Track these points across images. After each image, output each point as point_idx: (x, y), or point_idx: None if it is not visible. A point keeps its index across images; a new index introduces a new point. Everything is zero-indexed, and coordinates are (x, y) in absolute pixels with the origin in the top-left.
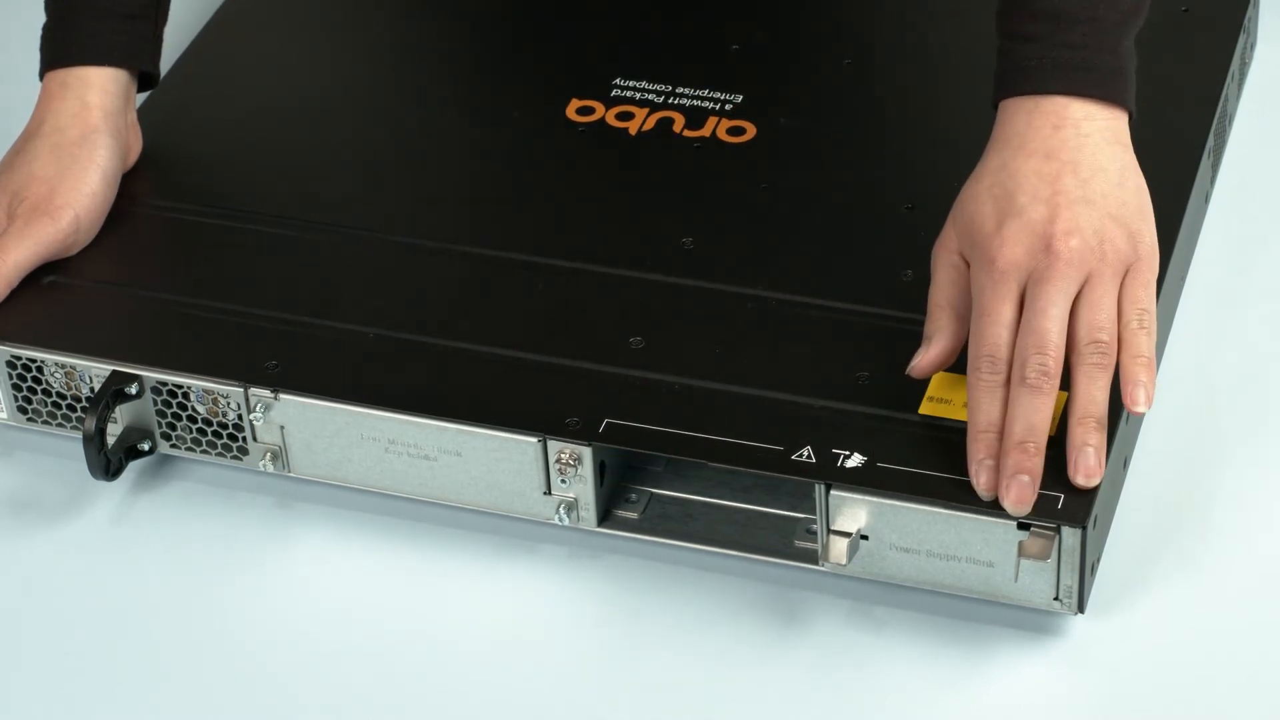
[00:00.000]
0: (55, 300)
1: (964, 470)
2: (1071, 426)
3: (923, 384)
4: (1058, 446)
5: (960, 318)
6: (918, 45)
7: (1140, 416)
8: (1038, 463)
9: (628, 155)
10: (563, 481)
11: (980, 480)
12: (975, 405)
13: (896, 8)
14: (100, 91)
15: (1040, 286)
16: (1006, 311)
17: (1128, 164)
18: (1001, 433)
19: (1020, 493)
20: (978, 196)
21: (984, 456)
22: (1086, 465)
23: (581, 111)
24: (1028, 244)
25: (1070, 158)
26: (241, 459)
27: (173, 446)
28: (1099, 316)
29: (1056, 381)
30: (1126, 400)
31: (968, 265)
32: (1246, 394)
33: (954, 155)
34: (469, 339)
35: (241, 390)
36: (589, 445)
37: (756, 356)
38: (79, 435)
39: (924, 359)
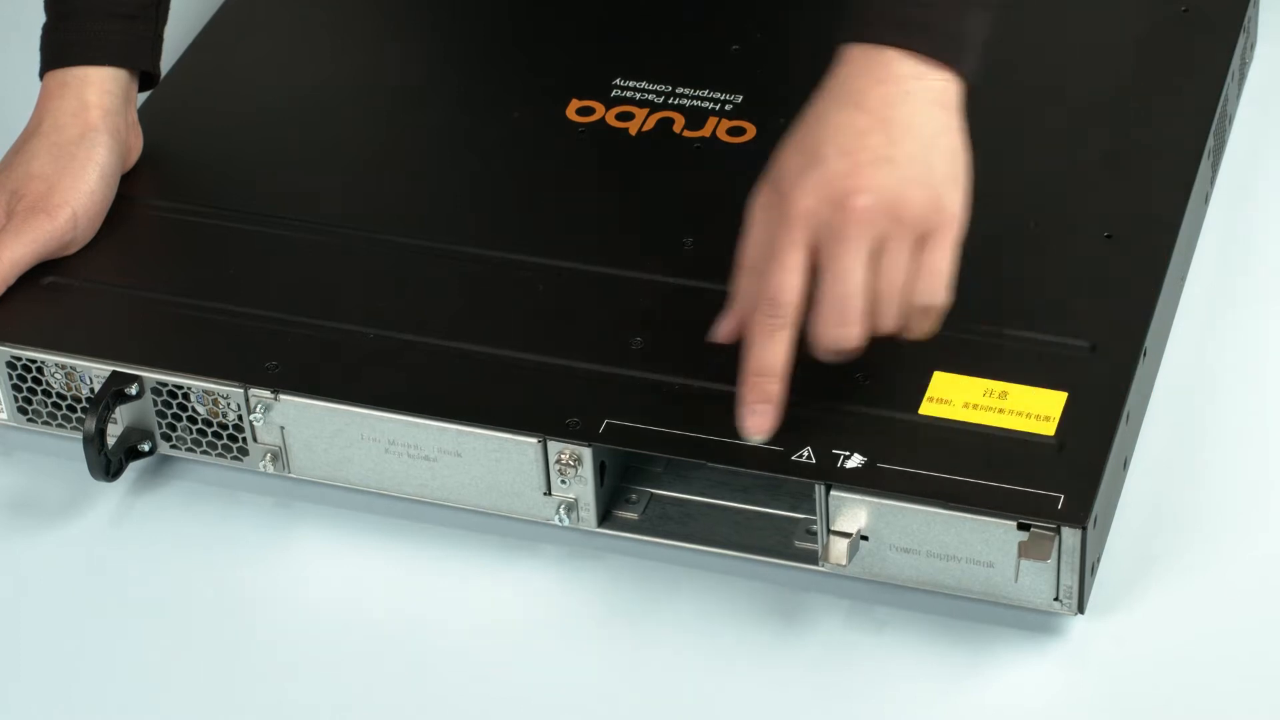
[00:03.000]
0: (55, 301)
1: (966, 471)
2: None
3: (922, 384)
4: (1060, 448)
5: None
6: None
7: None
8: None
9: (628, 155)
10: (563, 482)
11: (747, 423)
12: (751, 346)
13: None
14: (99, 91)
15: (832, 244)
16: (794, 258)
17: (946, 127)
18: (779, 378)
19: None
20: (789, 147)
21: (755, 400)
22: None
23: (581, 111)
24: (822, 195)
25: (884, 114)
26: (242, 460)
27: (173, 447)
28: (881, 282)
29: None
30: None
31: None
32: (1246, 394)
33: None
34: (469, 339)
35: (241, 391)
36: (589, 446)
37: None
38: (79, 436)
39: (729, 324)
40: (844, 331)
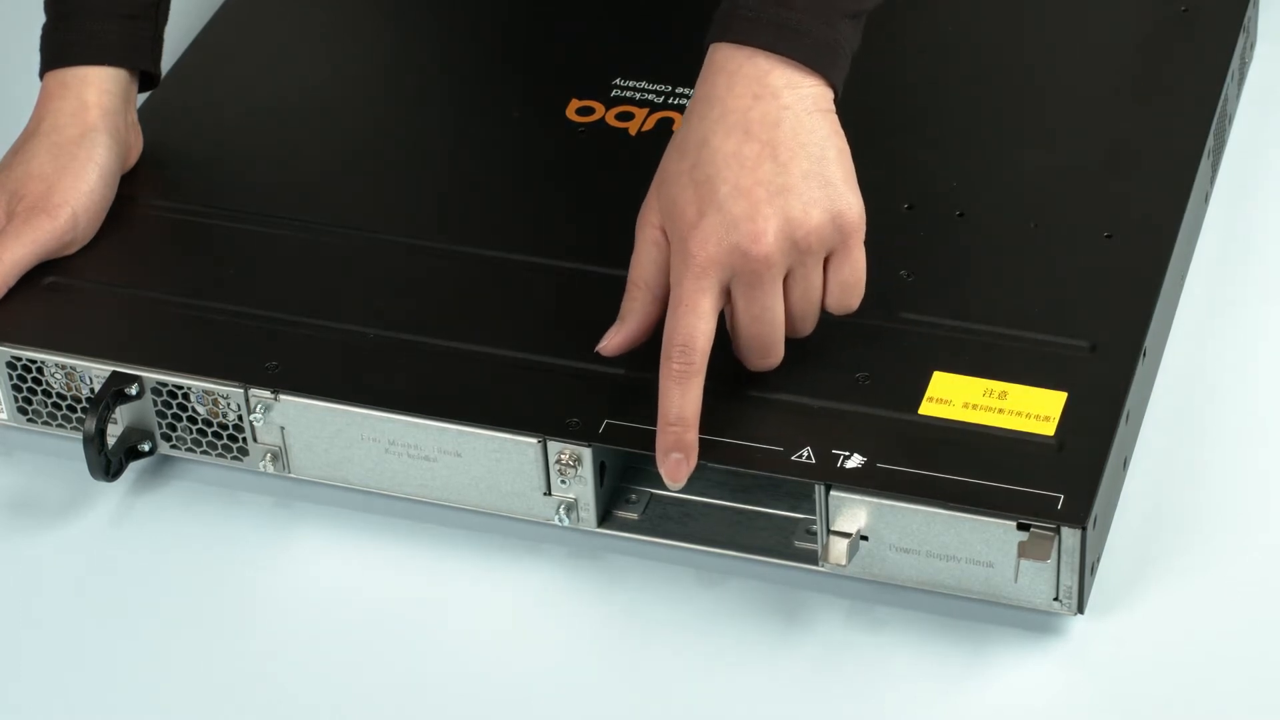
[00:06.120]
0: (55, 301)
1: (966, 471)
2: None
3: (922, 384)
4: (1060, 448)
5: (657, 299)
6: (917, 45)
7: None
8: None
9: (628, 155)
10: (563, 482)
11: (667, 472)
12: (665, 395)
13: (896, 7)
14: (99, 90)
15: (744, 289)
16: (704, 304)
17: (829, 132)
18: (692, 426)
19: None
20: (680, 178)
21: (672, 449)
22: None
23: (581, 111)
24: (728, 243)
25: (769, 137)
26: (241, 459)
27: (173, 447)
28: (797, 306)
29: (779, 356)
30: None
31: (669, 241)
32: (1246, 394)
33: (954, 155)
34: (469, 339)
35: (241, 391)
36: (589, 446)
37: None
38: (79, 436)
39: (614, 340)
40: (767, 361)
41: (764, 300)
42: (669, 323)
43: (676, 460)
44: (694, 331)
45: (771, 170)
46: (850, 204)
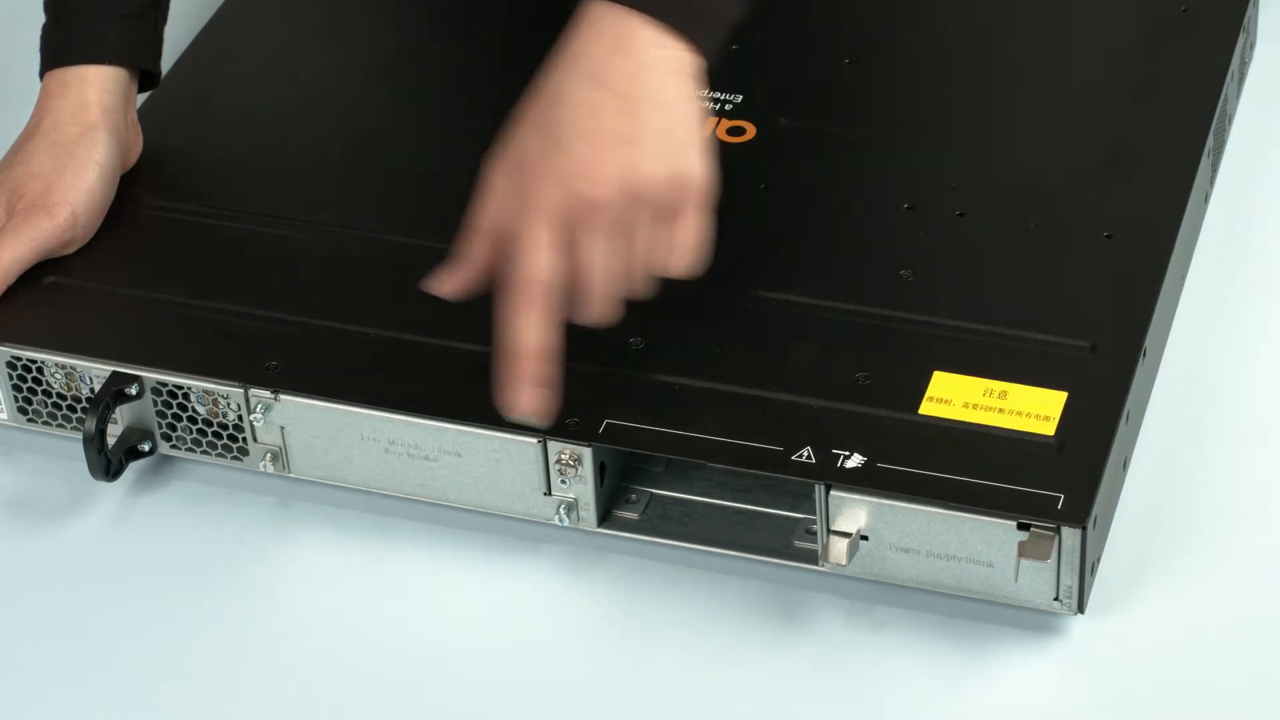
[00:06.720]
0: (55, 301)
1: (966, 471)
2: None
3: (922, 384)
4: (1060, 448)
5: (496, 245)
6: (918, 45)
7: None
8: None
9: None
10: (563, 482)
11: (511, 402)
12: (511, 328)
13: (896, 8)
14: (99, 89)
15: (577, 233)
16: (543, 237)
17: (685, 94)
18: (537, 358)
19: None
20: (528, 123)
21: (515, 379)
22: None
23: None
24: (564, 186)
25: (622, 89)
26: (242, 459)
27: (173, 447)
28: (630, 262)
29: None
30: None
31: (514, 187)
32: (1245, 394)
33: (954, 155)
34: (469, 339)
35: (241, 391)
36: (589, 446)
37: (756, 356)
38: (79, 436)
39: (447, 280)
40: (594, 313)
41: (591, 248)
42: (513, 262)
43: (524, 389)
44: (535, 261)
45: (620, 121)
46: (695, 165)
